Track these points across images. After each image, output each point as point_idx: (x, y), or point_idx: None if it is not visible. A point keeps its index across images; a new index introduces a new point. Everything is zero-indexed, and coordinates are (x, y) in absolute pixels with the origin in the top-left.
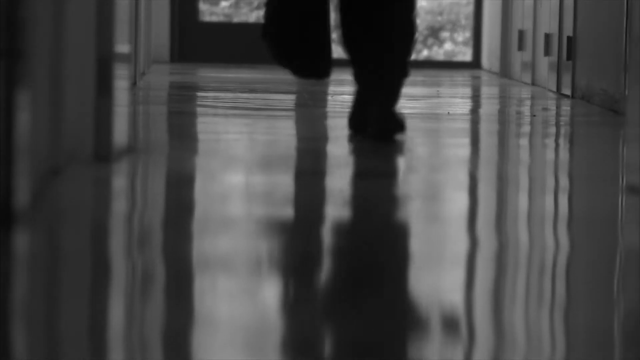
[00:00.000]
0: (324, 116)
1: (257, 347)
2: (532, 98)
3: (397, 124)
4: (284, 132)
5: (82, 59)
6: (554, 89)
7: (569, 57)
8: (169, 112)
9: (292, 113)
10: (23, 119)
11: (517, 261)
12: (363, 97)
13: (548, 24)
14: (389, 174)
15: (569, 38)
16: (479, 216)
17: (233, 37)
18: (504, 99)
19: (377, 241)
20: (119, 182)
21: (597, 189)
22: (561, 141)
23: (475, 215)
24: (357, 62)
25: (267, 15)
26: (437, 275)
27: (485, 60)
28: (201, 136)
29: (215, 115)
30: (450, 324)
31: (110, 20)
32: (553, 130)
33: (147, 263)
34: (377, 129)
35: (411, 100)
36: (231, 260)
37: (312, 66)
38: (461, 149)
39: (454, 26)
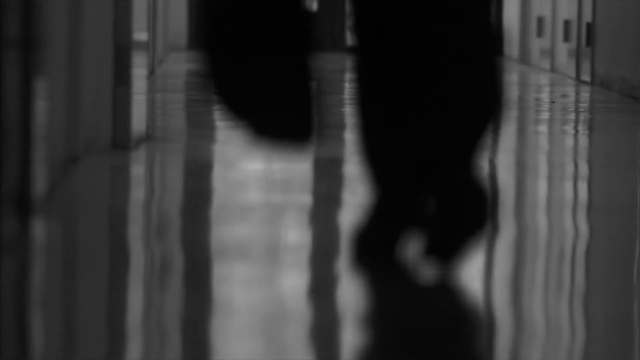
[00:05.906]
0: (341, 103)
1: (275, 335)
2: (551, 85)
3: (474, 222)
4: None
5: (100, 47)
6: (573, 75)
7: (587, 44)
8: (187, 99)
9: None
10: (41, 108)
11: (536, 248)
12: (393, 205)
13: (567, 10)
14: None
15: (588, 24)
16: (498, 203)
17: None
18: (522, 85)
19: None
20: (137, 170)
21: (616, 175)
22: (580, 128)
23: (494, 202)
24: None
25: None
26: (456, 263)
27: (504, 47)
28: (219, 124)
29: None
30: (469, 312)
31: (128, 8)
32: (572, 116)
33: (165, 250)
34: (438, 238)
35: None
36: (249, 247)
37: (291, 121)
38: None
39: None
